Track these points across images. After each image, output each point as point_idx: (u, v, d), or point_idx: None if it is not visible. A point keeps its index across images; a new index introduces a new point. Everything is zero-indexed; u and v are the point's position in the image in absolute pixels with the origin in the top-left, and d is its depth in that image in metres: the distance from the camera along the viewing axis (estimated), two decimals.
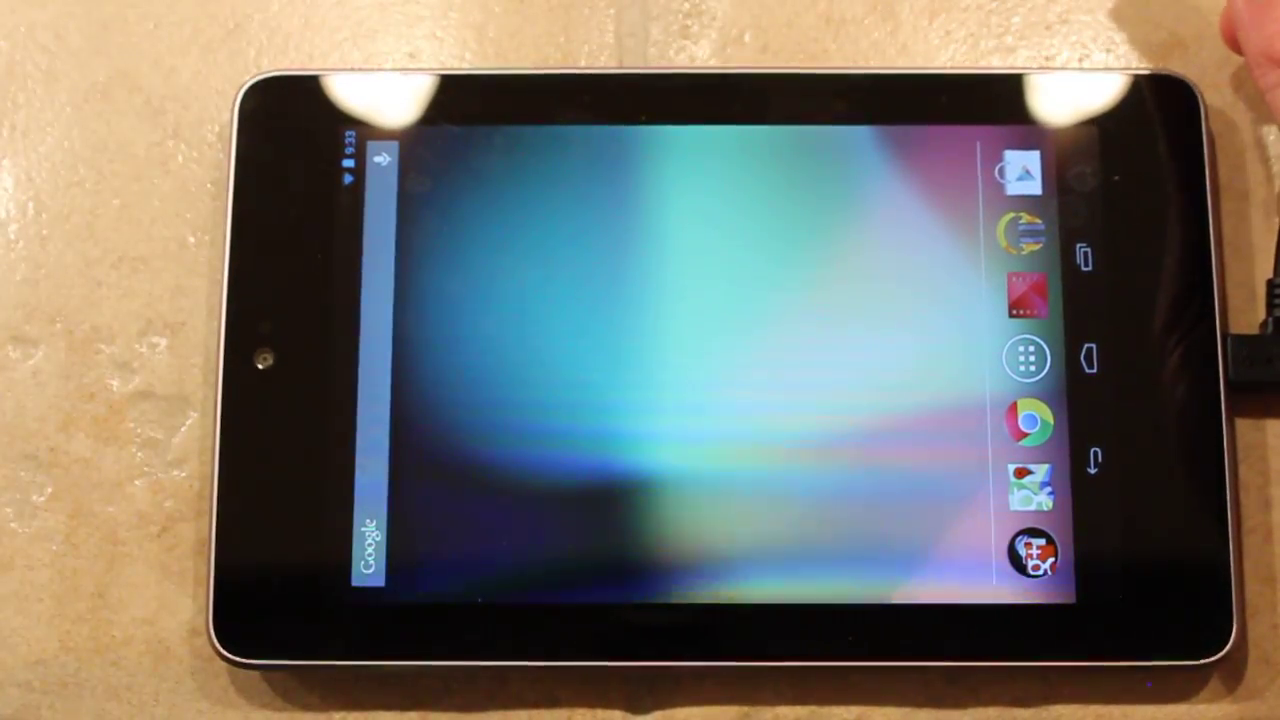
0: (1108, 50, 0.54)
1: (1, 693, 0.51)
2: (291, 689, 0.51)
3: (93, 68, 0.54)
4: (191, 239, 0.53)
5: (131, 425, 0.52)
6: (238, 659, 0.49)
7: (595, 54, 0.54)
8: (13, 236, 0.53)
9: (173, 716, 0.51)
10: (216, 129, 0.54)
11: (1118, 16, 0.55)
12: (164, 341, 0.53)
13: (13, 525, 0.52)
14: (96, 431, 0.52)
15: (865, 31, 0.54)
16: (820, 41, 0.54)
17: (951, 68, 0.54)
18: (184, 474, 0.52)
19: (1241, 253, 0.52)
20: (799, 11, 0.55)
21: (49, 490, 0.52)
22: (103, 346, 0.53)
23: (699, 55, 0.54)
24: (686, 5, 0.55)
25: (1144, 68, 0.53)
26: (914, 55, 0.54)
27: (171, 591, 0.51)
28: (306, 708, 0.50)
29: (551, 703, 0.50)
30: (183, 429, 0.52)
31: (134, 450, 0.52)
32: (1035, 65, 0.54)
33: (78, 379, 0.52)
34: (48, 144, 0.54)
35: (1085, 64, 0.54)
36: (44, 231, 0.53)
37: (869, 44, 0.54)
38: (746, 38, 0.55)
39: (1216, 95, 0.53)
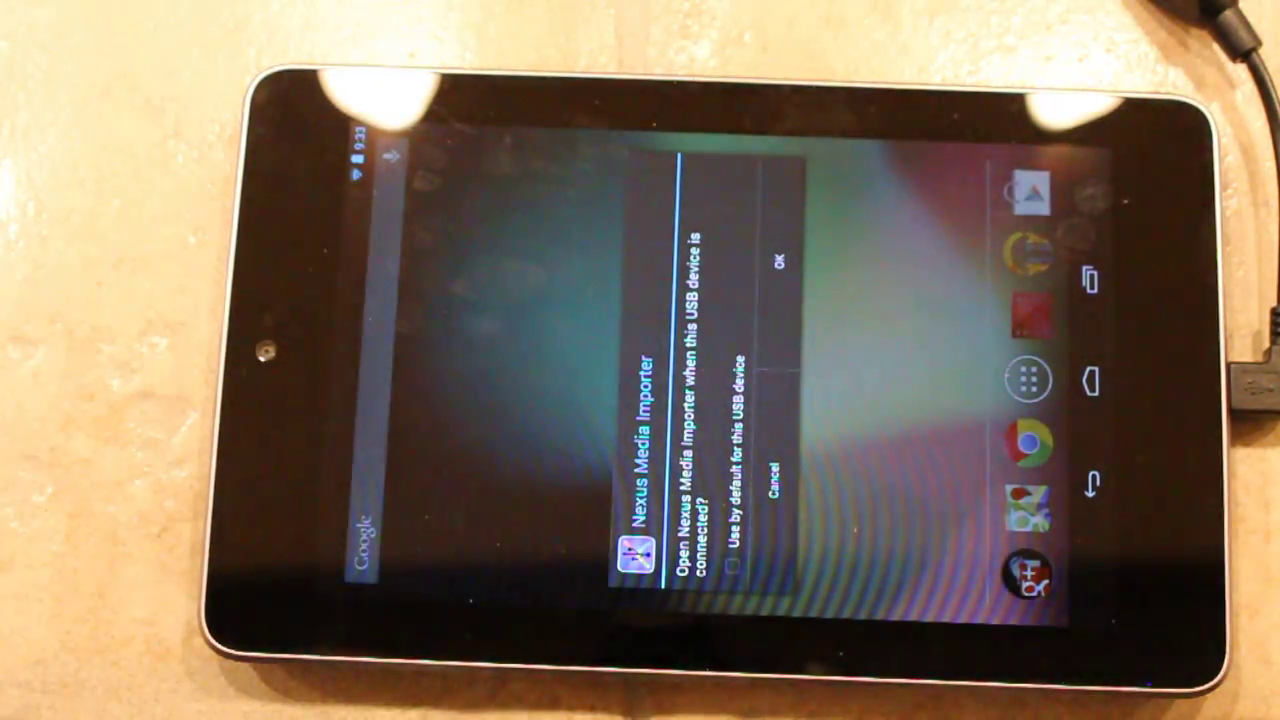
0: (1108, 50, 0.53)
1: (1, 693, 0.49)
2: (291, 688, 0.49)
3: (93, 68, 0.53)
4: (192, 239, 0.52)
5: (131, 425, 0.51)
6: (229, 650, 0.47)
7: (595, 54, 0.53)
8: (13, 236, 0.52)
9: (172, 716, 0.49)
10: (217, 129, 0.52)
11: (1117, 17, 0.53)
12: (164, 341, 0.51)
13: (13, 525, 0.50)
14: (96, 431, 0.51)
15: (865, 32, 0.53)
16: (820, 42, 0.53)
17: (963, 85, 0.52)
18: (184, 474, 0.50)
19: (1249, 278, 0.51)
20: (799, 11, 0.53)
21: (49, 490, 0.50)
22: (103, 346, 0.51)
23: (699, 55, 0.53)
24: (686, 5, 0.53)
25: (1157, 92, 0.51)
26: (914, 55, 0.53)
27: (171, 591, 0.50)
28: (307, 706, 0.49)
29: (552, 704, 0.49)
30: (183, 429, 0.51)
31: (134, 450, 0.51)
32: (1035, 66, 0.52)
33: (78, 379, 0.51)
34: (48, 144, 0.52)
35: (1085, 63, 0.52)
36: (44, 231, 0.52)
37: (869, 44, 0.53)
38: (746, 38, 0.53)
39: (1220, 100, 0.52)
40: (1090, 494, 0.48)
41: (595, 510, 0.48)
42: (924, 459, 0.48)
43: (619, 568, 0.48)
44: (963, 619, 0.47)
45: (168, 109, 0.52)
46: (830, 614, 0.47)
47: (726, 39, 0.53)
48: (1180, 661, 0.47)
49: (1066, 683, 0.47)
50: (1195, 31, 0.52)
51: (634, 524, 0.48)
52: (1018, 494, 0.48)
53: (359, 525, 0.48)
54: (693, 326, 0.49)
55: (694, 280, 0.49)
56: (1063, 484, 0.48)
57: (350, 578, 0.48)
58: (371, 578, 0.48)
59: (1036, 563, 0.47)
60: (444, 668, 0.48)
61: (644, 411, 0.48)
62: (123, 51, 0.53)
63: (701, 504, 0.48)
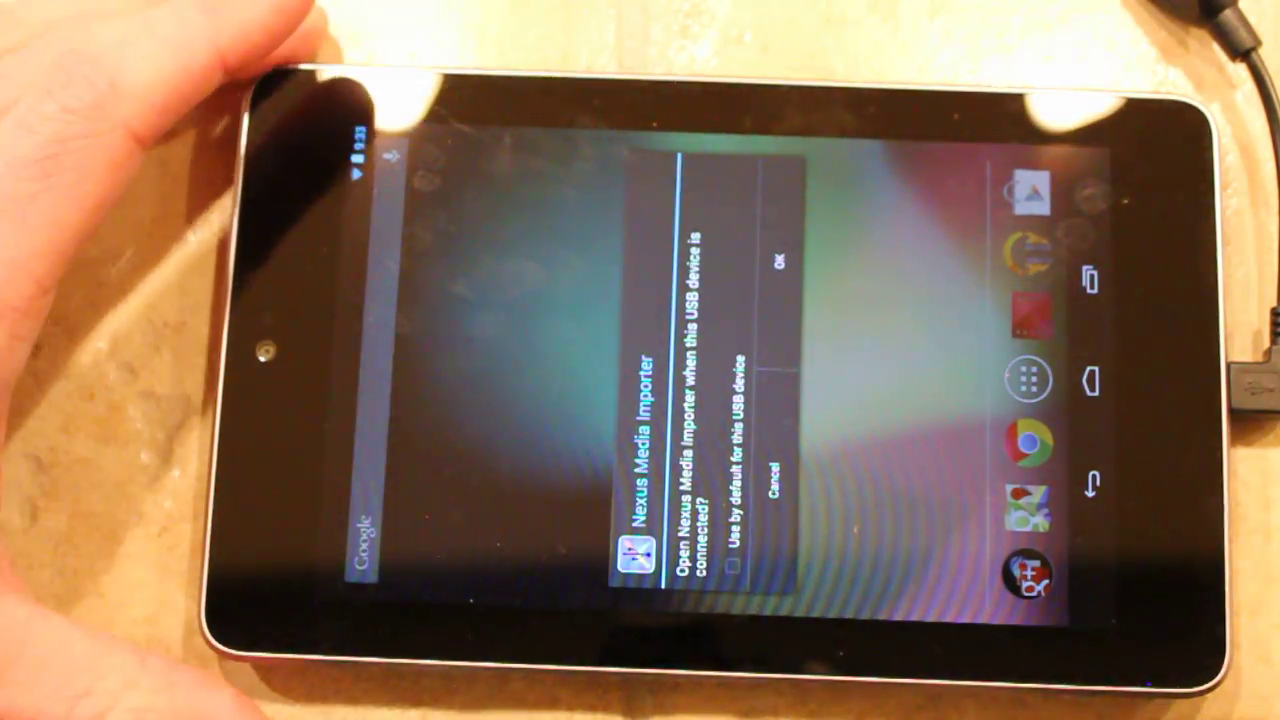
0: (1108, 50, 0.52)
1: None
2: (291, 688, 0.49)
3: None
4: (192, 238, 0.51)
5: (131, 425, 0.50)
6: (229, 650, 0.47)
7: (595, 54, 0.53)
8: None
9: None
10: (217, 128, 0.52)
11: (1117, 17, 0.53)
12: (164, 341, 0.51)
13: (13, 525, 0.50)
14: (96, 431, 0.50)
15: (866, 32, 0.53)
16: (820, 41, 0.53)
17: (963, 85, 0.52)
18: (184, 474, 0.50)
19: (1249, 278, 0.51)
20: (799, 11, 0.53)
21: (49, 490, 0.50)
22: (103, 346, 0.51)
23: (699, 55, 0.52)
24: (686, 5, 0.53)
25: (1157, 92, 0.51)
26: (914, 55, 0.52)
27: (171, 591, 0.49)
28: (306, 706, 0.49)
29: (552, 704, 0.49)
30: (183, 429, 0.50)
31: (134, 450, 0.50)
32: (1035, 66, 0.52)
33: (78, 379, 0.51)
34: None
35: (1085, 63, 0.52)
36: None
37: (870, 44, 0.53)
38: (747, 38, 0.53)
39: (1220, 100, 0.52)
40: (1090, 494, 0.47)
41: (595, 510, 0.48)
42: (924, 459, 0.48)
43: (619, 568, 0.47)
44: (963, 619, 0.47)
45: None
46: (830, 614, 0.47)
47: (726, 39, 0.53)
48: (1180, 661, 0.46)
49: (1067, 683, 0.46)
50: (1195, 31, 0.52)
51: (634, 524, 0.48)
52: (1018, 494, 0.47)
53: (359, 525, 0.48)
54: (693, 326, 0.49)
55: (694, 280, 0.49)
56: (1063, 484, 0.47)
57: (350, 578, 0.47)
58: (371, 578, 0.47)
59: (1036, 563, 0.47)
60: (444, 668, 0.48)
61: (644, 411, 0.48)
62: None
63: (701, 504, 0.48)
